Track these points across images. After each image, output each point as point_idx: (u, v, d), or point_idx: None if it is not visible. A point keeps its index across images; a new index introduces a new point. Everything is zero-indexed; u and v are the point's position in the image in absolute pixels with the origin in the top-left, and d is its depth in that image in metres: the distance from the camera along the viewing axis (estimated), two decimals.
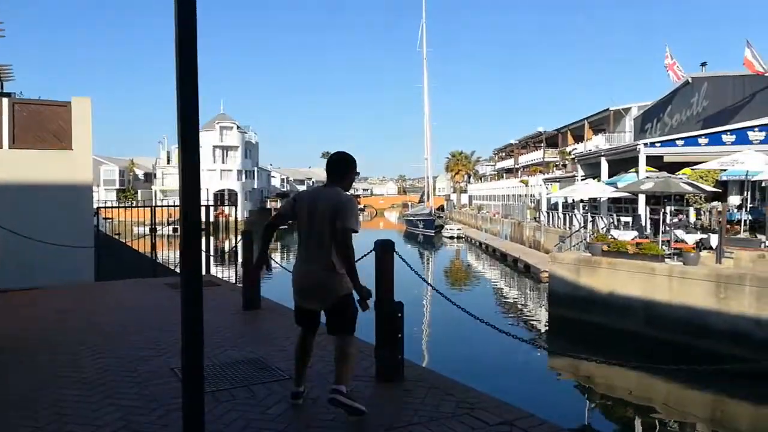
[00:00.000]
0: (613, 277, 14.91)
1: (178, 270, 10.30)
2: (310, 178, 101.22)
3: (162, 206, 15.02)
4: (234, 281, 11.98)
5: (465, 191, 72.97)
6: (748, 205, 16.44)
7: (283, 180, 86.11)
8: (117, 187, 66.31)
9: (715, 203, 18.34)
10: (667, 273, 13.67)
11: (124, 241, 14.27)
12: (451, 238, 46.42)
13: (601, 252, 15.50)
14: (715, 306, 12.59)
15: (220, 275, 12.72)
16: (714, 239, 14.35)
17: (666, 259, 14.22)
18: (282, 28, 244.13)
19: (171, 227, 14.74)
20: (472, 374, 12.55)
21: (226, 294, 8.43)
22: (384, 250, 4.39)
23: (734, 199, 19.52)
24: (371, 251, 4.56)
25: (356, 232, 3.50)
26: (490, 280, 27.80)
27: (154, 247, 11.72)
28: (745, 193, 17.00)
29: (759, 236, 14.58)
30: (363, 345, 4.49)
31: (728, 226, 16.10)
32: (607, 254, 15.32)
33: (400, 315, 4.31)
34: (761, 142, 19.34)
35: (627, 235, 16.27)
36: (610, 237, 16.32)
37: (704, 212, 18.16)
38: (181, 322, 2.33)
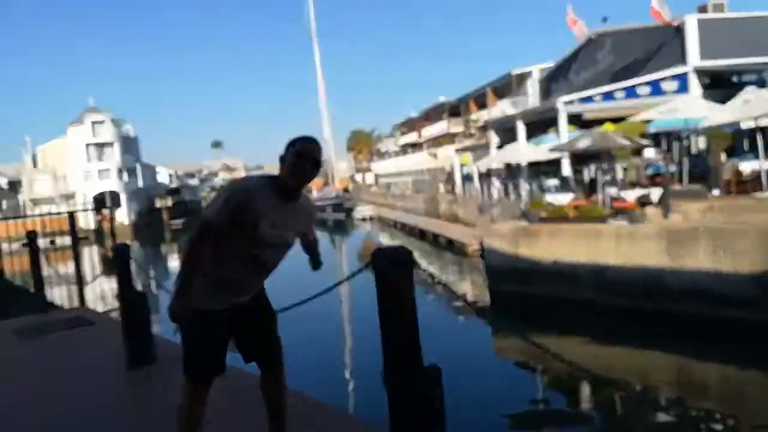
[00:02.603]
0: (555, 244, 13.84)
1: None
2: (201, 171, 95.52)
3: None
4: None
5: (369, 170, 71.57)
6: (681, 157, 15.92)
7: (171, 175, 79.66)
8: None
9: (640, 158, 17.82)
10: (614, 234, 12.71)
11: None
12: (363, 219, 44.75)
13: (539, 219, 14.37)
14: (670, 264, 11.73)
15: (100, 301, 10.04)
16: (655, 193, 13.54)
17: (610, 220, 13.23)
18: (155, 17, 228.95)
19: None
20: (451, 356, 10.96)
21: (102, 339, 5.86)
22: (394, 264, 2.59)
23: (649, 153, 19.19)
24: (364, 267, 2.85)
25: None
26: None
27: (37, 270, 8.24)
28: (680, 143, 16.53)
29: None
30: None
31: (658, 179, 15.50)
32: (546, 221, 14.23)
33: (438, 395, 2.56)
34: (675, 93, 19.08)
35: (563, 198, 15.24)
36: (545, 202, 15.18)
37: (630, 168, 17.58)
38: None
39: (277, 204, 2.51)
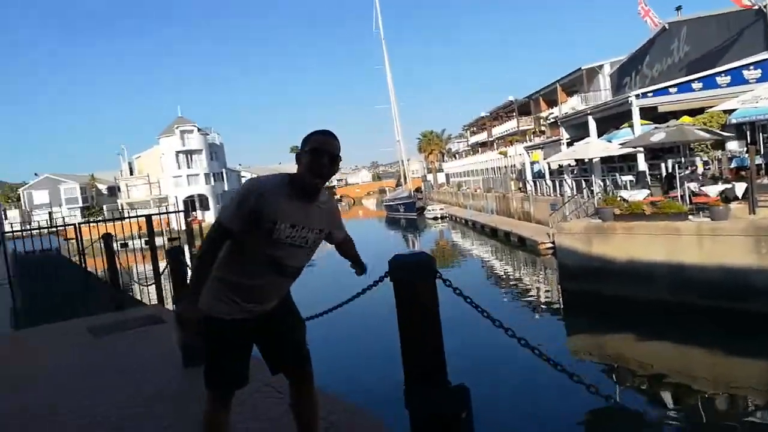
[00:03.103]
0: (630, 242, 13.54)
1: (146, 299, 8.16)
2: None
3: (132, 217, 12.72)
4: None
5: (441, 171, 71.54)
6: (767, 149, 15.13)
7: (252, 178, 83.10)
8: (80, 204, 63.22)
9: (722, 150, 17.06)
10: (694, 232, 12.28)
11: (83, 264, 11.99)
12: (435, 218, 44.97)
13: (614, 216, 14.09)
14: (758, 263, 11.22)
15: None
16: (740, 188, 12.99)
17: (690, 216, 12.82)
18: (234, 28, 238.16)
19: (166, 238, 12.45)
20: (486, 370, 11.04)
21: (169, 337, 6.30)
22: (414, 272, 2.45)
23: (732, 145, 18.29)
24: (381, 279, 2.78)
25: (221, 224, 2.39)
26: (484, 257, 26.36)
27: (113, 270, 9.24)
28: (765, 134, 15.73)
29: None
30: None
31: (743, 172, 14.80)
32: (620, 218, 13.93)
33: (465, 419, 2.34)
34: (758, 81, 18.09)
35: (638, 195, 14.87)
36: (619, 199, 14.87)
37: (712, 161, 16.85)
38: None
39: (295, 203, 2.36)
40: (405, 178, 55.81)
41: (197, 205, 56.11)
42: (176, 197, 54.18)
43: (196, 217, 55.54)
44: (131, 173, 63.07)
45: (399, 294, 2.44)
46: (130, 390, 4.52)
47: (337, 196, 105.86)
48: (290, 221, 2.34)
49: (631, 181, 18.38)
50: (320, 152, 2.33)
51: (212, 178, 58.76)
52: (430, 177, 73.72)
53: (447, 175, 67.12)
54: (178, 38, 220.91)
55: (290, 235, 2.35)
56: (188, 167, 57.60)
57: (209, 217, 55.75)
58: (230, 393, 2.50)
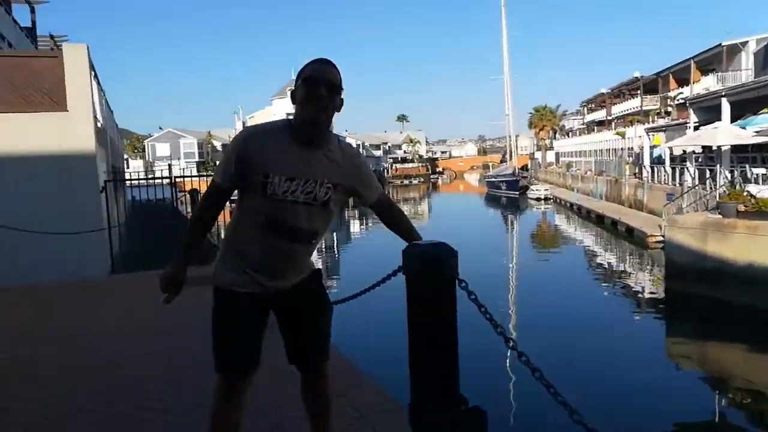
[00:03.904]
0: (753, 244, 11.98)
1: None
2: (386, 143, 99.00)
3: None
4: None
5: (551, 149, 68.36)
6: None
7: (359, 145, 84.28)
8: (197, 159, 67.31)
9: None
10: None
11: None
12: (538, 199, 43.06)
13: (736, 213, 12.47)
14: None
15: None
16: None
17: None
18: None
19: None
20: (578, 368, 10.24)
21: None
22: (428, 268, 1.93)
23: None
24: (394, 273, 2.19)
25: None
26: (586, 246, 24.73)
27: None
28: None
29: None
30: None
31: None
32: (744, 216, 12.33)
33: None
34: None
35: None
36: (746, 194, 13.11)
37: None
38: None
39: (295, 152, 2.00)
40: (510, 155, 53.88)
41: None
42: None
43: None
44: None
45: (410, 292, 1.99)
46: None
47: (439, 169, 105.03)
48: (286, 173, 1.99)
49: (764, 174, 16.19)
50: (315, 81, 1.97)
51: None
52: (538, 155, 70.77)
53: (557, 154, 64.02)
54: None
55: (289, 189, 2.00)
56: None
57: None
58: (243, 375, 2.14)
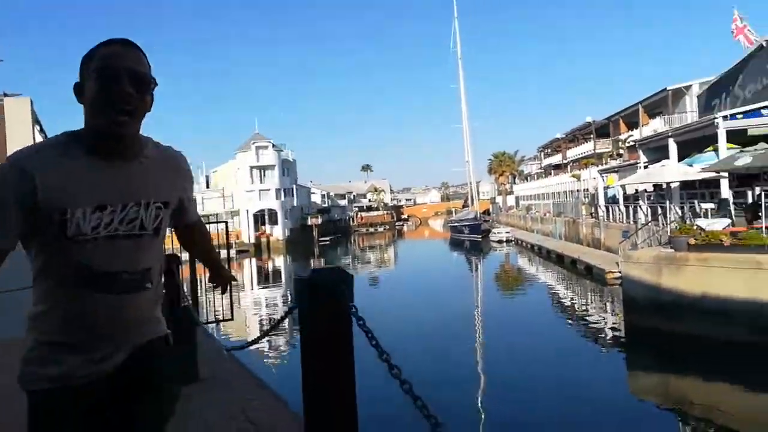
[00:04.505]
0: (705, 275, 12.19)
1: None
2: (351, 192, 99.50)
3: None
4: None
5: (511, 193, 69.79)
6: None
7: (323, 196, 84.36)
8: None
9: None
10: None
11: None
12: (500, 242, 43.61)
13: (687, 246, 12.76)
14: None
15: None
16: None
17: None
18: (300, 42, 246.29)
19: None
20: (542, 401, 10.23)
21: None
22: (319, 296, 1.71)
23: None
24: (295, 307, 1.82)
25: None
26: (547, 285, 24.98)
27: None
28: None
29: None
30: None
31: None
32: (695, 248, 12.60)
33: None
34: None
35: (717, 224, 13.43)
36: (695, 228, 13.48)
37: None
38: None
39: (96, 168, 1.44)
40: (472, 200, 54.69)
41: (267, 219, 57.29)
42: (247, 211, 55.57)
43: (264, 230, 56.95)
44: (207, 186, 65.44)
45: (303, 326, 1.75)
46: None
47: (405, 216, 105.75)
48: (92, 202, 1.43)
49: (712, 209, 16.74)
50: (115, 72, 1.41)
51: (282, 194, 59.91)
52: (499, 199, 72.09)
53: (517, 198, 65.35)
54: (257, 61, 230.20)
55: (100, 223, 1.44)
56: (261, 182, 59.02)
57: (277, 232, 56.82)
58: None
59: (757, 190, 16.12)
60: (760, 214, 13.39)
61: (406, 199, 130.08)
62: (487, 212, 65.52)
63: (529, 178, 67.55)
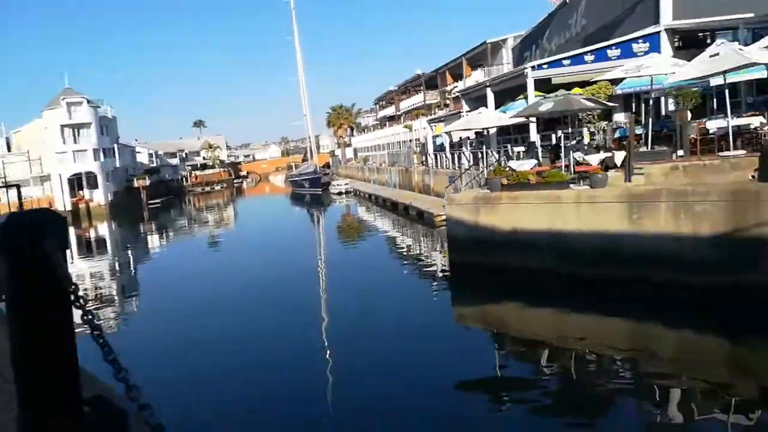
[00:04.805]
0: (515, 212, 13.24)
1: None
2: (183, 150, 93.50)
3: None
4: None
5: (349, 145, 70.60)
6: (647, 119, 15.27)
7: (151, 155, 77.87)
8: None
9: (608, 122, 17.21)
10: (574, 199, 12.16)
11: None
12: (340, 194, 44.15)
13: (501, 187, 13.72)
14: (630, 228, 11.21)
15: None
16: (619, 156, 12.94)
17: (571, 185, 12.66)
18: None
19: None
20: (375, 341, 10.66)
21: None
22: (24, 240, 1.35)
23: (618, 116, 18.60)
24: None
25: None
26: (383, 231, 25.86)
27: None
28: (647, 104, 15.89)
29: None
30: None
31: (625, 142, 14.88)
32: (507, 188, 13.58)
33: None
34: (646, 53, 18.36)
35: (526, 165, 14.63)
36: (508, 169, 14.55)
37: (598, 131, 16.95)
38: None
39: None
40: (311, 154, 54.41)
41: (84, 183, 51.86)
42: (60, 175, 49.72)
43: (83, 196, 51.55)
44: (9, 150, 57.24)
45: (11, 279, 1.38)
46: None
47: (243, 173, 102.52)
48: None
49: (523, 151, 18.24)
50: None
51: (102, 154, 54.26)
52: (338, 152, 72.66)
53: (355, 150, 66.35)
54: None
55: None
56: (75, 142, 52.81)
57: (97, 196, 51.90)
58: None
59: (559, 132, 17.85)
60: (561, 154, 14.84)
61: (245, 156, 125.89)
62: (327, 165, 65.76)
63: (366, 130, 68.76)
